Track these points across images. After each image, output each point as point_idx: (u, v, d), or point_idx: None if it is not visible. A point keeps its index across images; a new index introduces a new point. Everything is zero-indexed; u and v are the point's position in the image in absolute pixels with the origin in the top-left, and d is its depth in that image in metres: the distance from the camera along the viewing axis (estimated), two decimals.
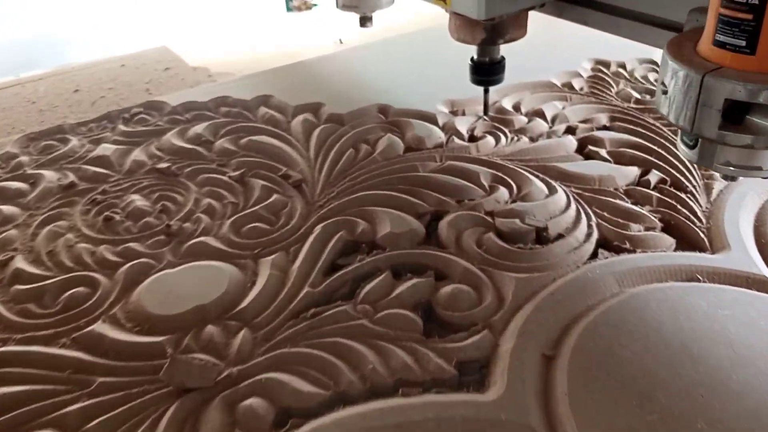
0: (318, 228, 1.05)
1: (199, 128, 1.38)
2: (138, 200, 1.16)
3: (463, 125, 1.34)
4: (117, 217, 1.12)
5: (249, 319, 0.89)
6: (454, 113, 1.41)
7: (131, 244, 1.05)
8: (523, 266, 0.94)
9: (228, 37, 2.19)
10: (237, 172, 1.21)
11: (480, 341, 0.83)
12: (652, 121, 1.31)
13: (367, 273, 0.96)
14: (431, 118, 1.36)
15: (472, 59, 1.17)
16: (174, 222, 1.08)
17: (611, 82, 1.48)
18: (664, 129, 1.28)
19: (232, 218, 1.09)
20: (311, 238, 1.03)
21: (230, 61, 1.94)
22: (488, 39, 1.04)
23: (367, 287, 0.92)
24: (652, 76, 1.50)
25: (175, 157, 1.30)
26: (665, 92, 0.71)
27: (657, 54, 1.54)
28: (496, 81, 1.20)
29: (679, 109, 0.69)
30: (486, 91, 1.27)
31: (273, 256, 0.99)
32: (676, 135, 1.27)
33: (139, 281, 0.97)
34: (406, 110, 1.40)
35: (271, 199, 1.13)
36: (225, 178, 1.21)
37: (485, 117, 1.35)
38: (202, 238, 1.05)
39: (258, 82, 1.59)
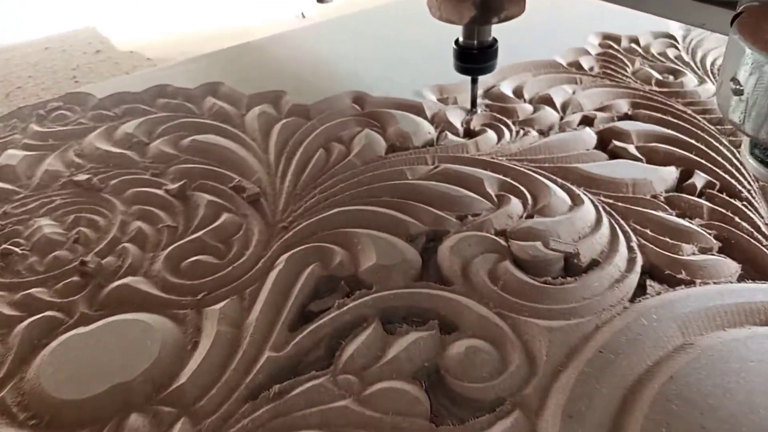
0: (282, 260, 0.80)
1: (130, 126, 1.11)
2: (47, 226, 0.89)
3: (456, 116, 1.10)
4: (18, 251, 0.86)
5: (189, 402, 0.64)
6: (443, 101, 1.16)
7: (34, 290, 0.79)
8: (555, 310, 0.72)
9: (169, 14, 1.89)
10: (176, 185, 0.95)
11: (511, 428, 0.60)
12: (681, 107, 1.09)
13: (349, 324, 0.72)
14: (417, 109, 1.12)
15: (456, 42, 0.93)
16: (91, 257, 0.82)
17: (625, 61, 1.25)
18: (698, 117, 1.06)
19: (169, 249, 0.84)
20: (273, 276, 0.78)
21: (172, 41, 1.66)
22: (479, 17, 0.81)
23: (351, 348, 0.68)
24: (671, 53, 1.27)
25: (98, 165, 1.03)
26: (738, 92, 0.50)
27: (673, 27, 1.32)
28: (487, 69, 0.98)
29: (763, 118, 0.48)
30: (473, 81, 1.04)
31: (222, 304, 0.75)
32: (713, 124, 1.06)
33: (41, 347, 0.71)
34: (386, 99, 1.16)
35: (219, 221, 0.88)
36: (161, 192, 0.95)
37: (474, 110, 1.11)
38: (128, 279, 0.79)
39: (204, 66, 1.32)
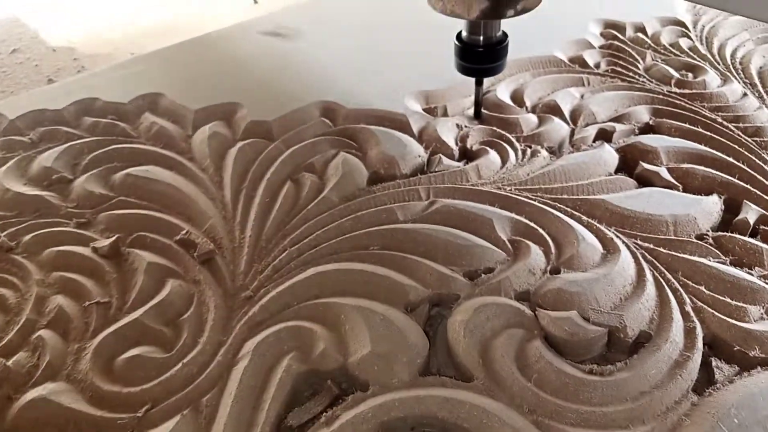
0: (248, 350, 0.62)
1: (49, 157, 0.89)
2: None
3: (449, 133, 0.92)
4: None
5: None
6: (430, 112, 0.98)
7: None
8: (608, 415, 0.56)
9: (102, 4, 1.63)
10: (107, 241, 0.75)
11: None
12: (709, 114, 0.93)
13: None
14: (401, 123, 0.93)
15: (458, 37, 0.75)
16: None
17: (635, 55, 1.08)
18: (731, 126, 0.90)
19: (99, 338, 0.64)
20: (237, 375, 0.60)
21: (104, 37, 1.41)
22: (490, 11, 0.64)
23: None
24: (684, 43, 1.11)
25: (7, 213, 0.81)
26: None
27: (680, 10, 1.16)
28: (495, 70, 0.81)
29: None
30: (479, 84, 0.87)
31: (171, 425, 0.56)
32: (749, 135, 0.91)
33: None
34: (363, 110, 0.96)
35: (164, 293, 0.69)
36: (88, 252, 0.74)
37: (478, 120, 0.94)
38: (45, 389, 0.60)
39: (140, 71, 1.10)
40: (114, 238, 0.75)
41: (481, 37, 0.80)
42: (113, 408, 0.59)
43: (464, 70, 0.86)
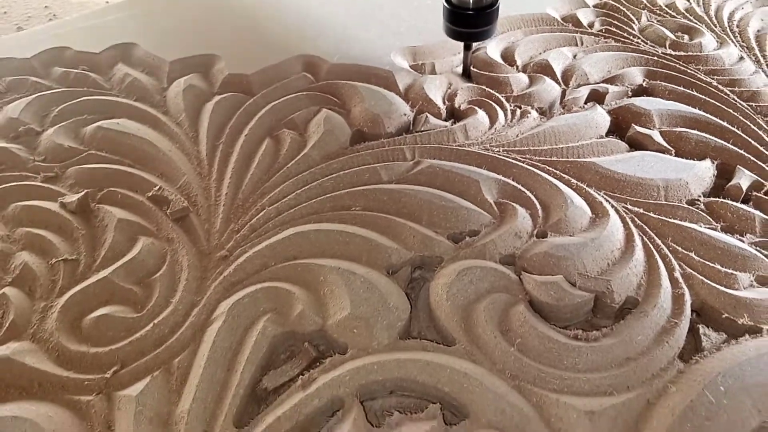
0: (222, 310, 0.60)
1: (16, 108, 0.85)
2: None
3: (436, 91, 0.88)
4: None
5: None
6: (418, 69, 0.94)
7: None
8: (592, 380, 0.54)
9: None
10: (76, 196, 0.71)
11: None
12: (704, 77, 0.90)
13: (319, 412, 0.53)
14: (387, 80, 0.90)
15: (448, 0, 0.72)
16: None
17: (630, 15, 1.05)
18: (727, 91, 0.88)
19: (67, 296, 0.62)
20: (211, 335, 0.58)
21: None
22: None
23: None
24: (680, 4, 1.08)
25: None
26: None
27: None
28: (485, 35, 0.78)
29: None
30: (467, 48, 0.83)
31: (141, 387, 0.54)
32: (745, 100, 0.88)
33: None
34: (347, 66, 0.92)
35: (135, 251, 0.66)
36: (56, 207, 0.71)
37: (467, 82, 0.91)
38: (9, 349, 0.57)
39: (113, 21, 1.04)
40: (83, 193, 0.71)
41: (471, 1, 0.76)
42: (80, 369, 0.56)
43: (453, 34, 0.82)
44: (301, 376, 0.55)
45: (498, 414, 0.52)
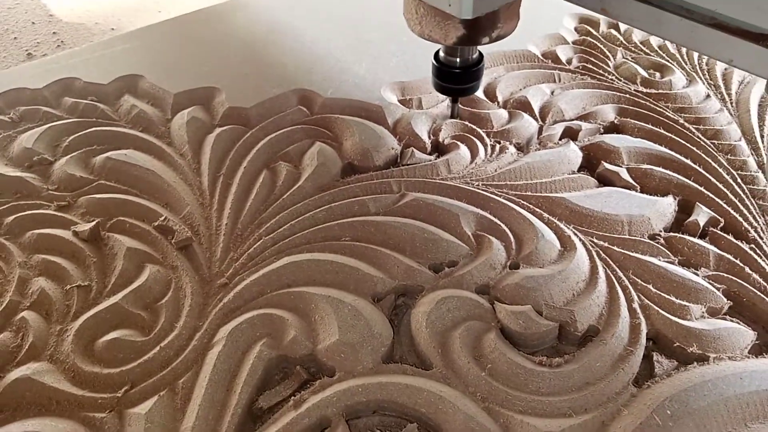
0: (222, 336, 0.66)
1: (29, 138, 0.91)
2: None
3: (422, 126, 0.95)
4: None
5: None
6: (406, 104, 1.01)
7: None
8: (553, 403, 0.60)
9: None
10: (87, 225, 0.77)
11: None
12: (672, 115, 0.97)
13: (308, 430, 0.59)
14: (377, 115, 0.96)
15: (436, 57, 0.78)
16: None
17: (606, 52, 1.12)
18: (692, 128, 0.94)
19: (81, 320, 0.68)
20: (212, 359, 0.64)
21: (84, 9, 1.41)
22: (466, 37, 0.66)
23: None
24: (655, 41, 1.15)
25: None
26: None
27: None
28: (471, 90, 0.82)
29: None
30: (454, 101, 0.89)
31: (149, 406, 0.60)
32: (708, 138, 0.95)
33: None
34: (340, 100, 0.99)
35: (142, 278, 0.72)
36: (69, 235, 0.77)
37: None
38: (29, 369, 0.63)
39: (120, 51, 1.11)
40: (94, 223, 0.77)
41: (458, 60, 0.81)
42: (94, 388, 0.62)
43: (441, 89, 0.87)
44: (293, 397, 0.61)
45: None
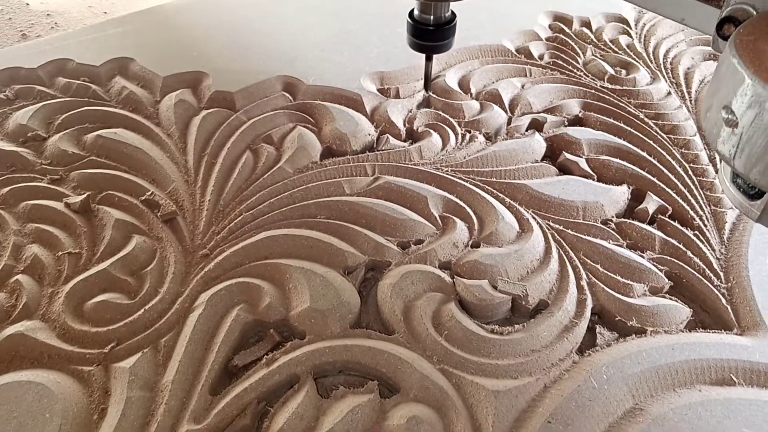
0: (202, 300, 0.72)
1: (24, 115, 0.96)
2: None
3: (398, 114, 1.01)
4: None
5: None
6: (384, 93, 1.06)
7: None
8: (502, 367, 0.67)
9: None
10: (79, 198, 0.82)
11: None
12: (633, 110, 1.03)
13: (279, 385, 0.65)
14: (356, 102, 1.02)
15: (411, 15, 0.83)
16: None
17: (577, 49, 1.18)
18: (651, 123, 1.01)
19: (71, 284, 0.73)
20: (192, 321, 0.70)
21: None
22: None
23: (281, 418, 0.61)
24: (623, 40, 1.21)
25: None
26: (731, 123, 0.43)
27: (626, 8, 1.25)
28: (443, 48, 0.88)
29: (757, 157, 0.42)
30: (428, 59, 0.94)
31: (133, 361, 0.66)
32: (665, 132, 1.02)
33: None
34: (321, 87, 1.05)
35: (129, 247, 0.77)
36: (61, 206, 0.82)
37: (427, 92, 1.03)
38: (23, 326, 0.69)
39: (111, 35, 1.15)
40: (85, 195, 0.82)
41: (431, 17, 0.86)
42: (83, 344, 0.68)
43: (415, 47, 0.92)
44: (266, 356, 0.67)
45: (423, 390, 0.64)
